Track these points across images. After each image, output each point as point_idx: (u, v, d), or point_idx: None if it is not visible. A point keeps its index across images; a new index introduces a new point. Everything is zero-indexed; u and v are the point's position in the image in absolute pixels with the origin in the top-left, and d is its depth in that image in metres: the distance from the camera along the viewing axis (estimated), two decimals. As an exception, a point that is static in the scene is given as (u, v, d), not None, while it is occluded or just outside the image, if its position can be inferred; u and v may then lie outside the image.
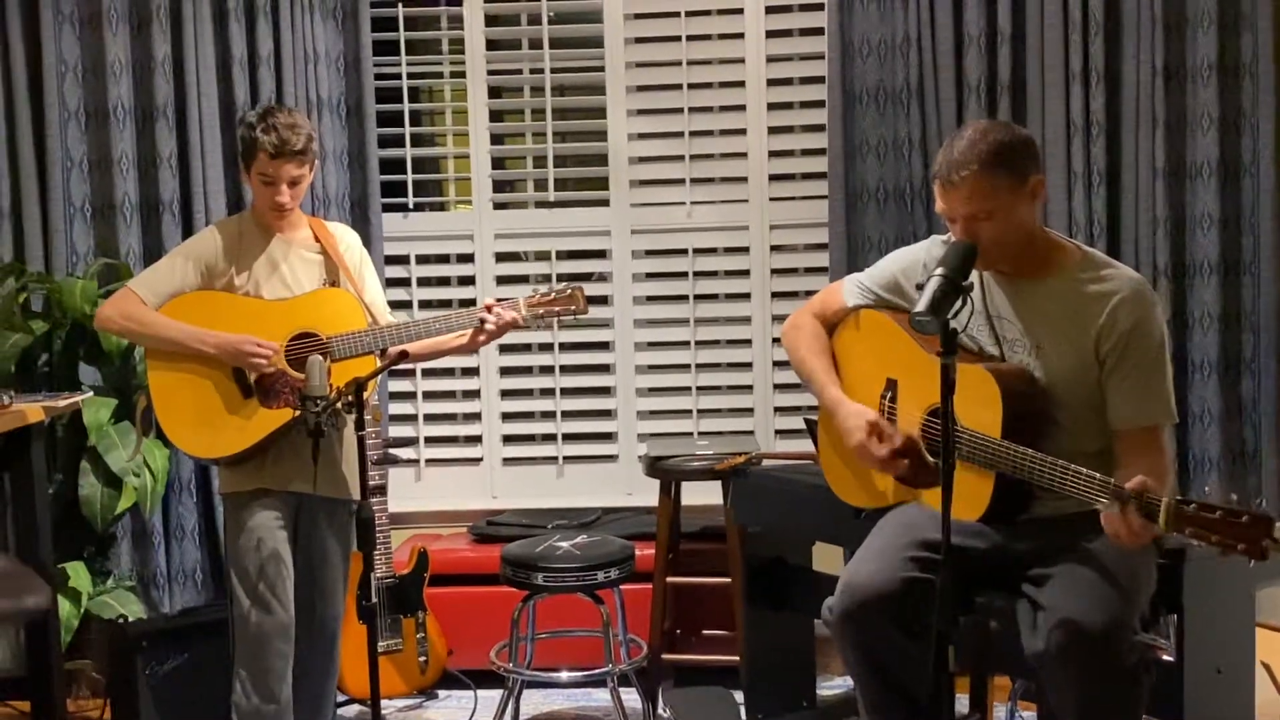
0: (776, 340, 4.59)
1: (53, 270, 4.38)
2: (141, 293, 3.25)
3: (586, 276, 4.80)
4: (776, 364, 4.62)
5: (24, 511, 3.58)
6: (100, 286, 4.17)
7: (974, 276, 2.69)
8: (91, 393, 3.93)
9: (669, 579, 4.04)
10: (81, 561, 4.06)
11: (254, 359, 3.19)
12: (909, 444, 2.86)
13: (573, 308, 3.44)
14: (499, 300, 3.38)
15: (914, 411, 2.90)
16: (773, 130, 4.59)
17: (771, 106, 4.58)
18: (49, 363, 4.22)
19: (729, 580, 3.95)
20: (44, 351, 4.21)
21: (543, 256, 4.74)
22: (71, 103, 4.41)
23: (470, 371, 4.72)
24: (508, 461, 4.76)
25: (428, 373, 4.67)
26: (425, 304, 4.74)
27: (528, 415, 4.78)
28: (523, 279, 4.81)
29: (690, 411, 4.67)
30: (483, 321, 3.33)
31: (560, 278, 4.69)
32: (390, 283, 4.57)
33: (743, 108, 4.58)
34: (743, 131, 4.59)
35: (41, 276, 4.29)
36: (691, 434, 4.63)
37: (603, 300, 4.69)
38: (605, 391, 4.73)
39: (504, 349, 4.62)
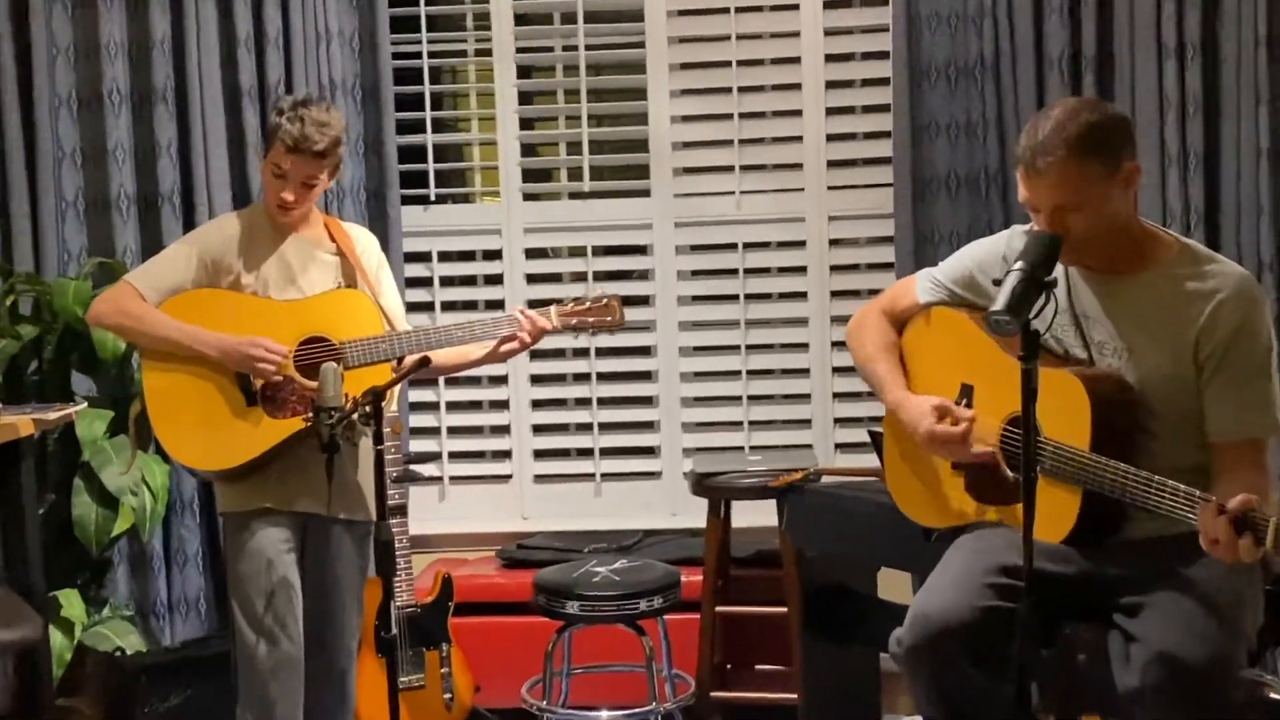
0: (836, 344, 4.57)
1: (43, 270, 4.42)
2: (140, 287, 3.26)
3: (626, 274, 4.80)
4: (837, 370, 4.60)
5: (12, 534, 3.59)
6: (94, 288, 4.18)
7: (1059, 271, 2.67)
8: (85, 404, 3.95)
9: (718, 608, 4.03)
10: (75, 589, 4.09)
11: (261, 364, 3.20)
12: (986, 455, 2.84)
13: (608, 319, 3.44)
14: (531, 305, 3.39)
15: (992, 421, 2.88)
16: (831, 111, 4.57)
17: (830, 85, 4.56)
18: (39, 371, 4.25)
19: (784, 610, 3.94)
20: (33, 359, 4.25)
21: (577, 253, 4.74)
22: (62, 88, 4.45)
23: (498, 380, 4.72)
24: (540, 479, 4.76)
25: (451, 382, 4.68)
26: (448, 305, 4.75)
27: (561, 428, 4.78)
28: (555, 277, 4.82)
29: (741, 423, 4.66)
30: (511, 328, 3.33)
31: (597, 276, 4.69)
32: (410, 282, 4.58)
33: (798, 87, 4.57)
34: (798, 113, 4.58)
35: (30, 277, 4.32)
36: (742, 448, 4.62)
37: (643, 301, 4.69)
38: (647, 401, 4.72)
39: (535, 355, 4.62)
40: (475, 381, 4.73)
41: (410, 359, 3.19)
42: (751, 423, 4.66)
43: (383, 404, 3.02)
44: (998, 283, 2.50)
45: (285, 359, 3.22)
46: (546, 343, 3.46)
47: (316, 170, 3.23)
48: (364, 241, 3.45)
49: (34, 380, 4.24)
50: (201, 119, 4.39)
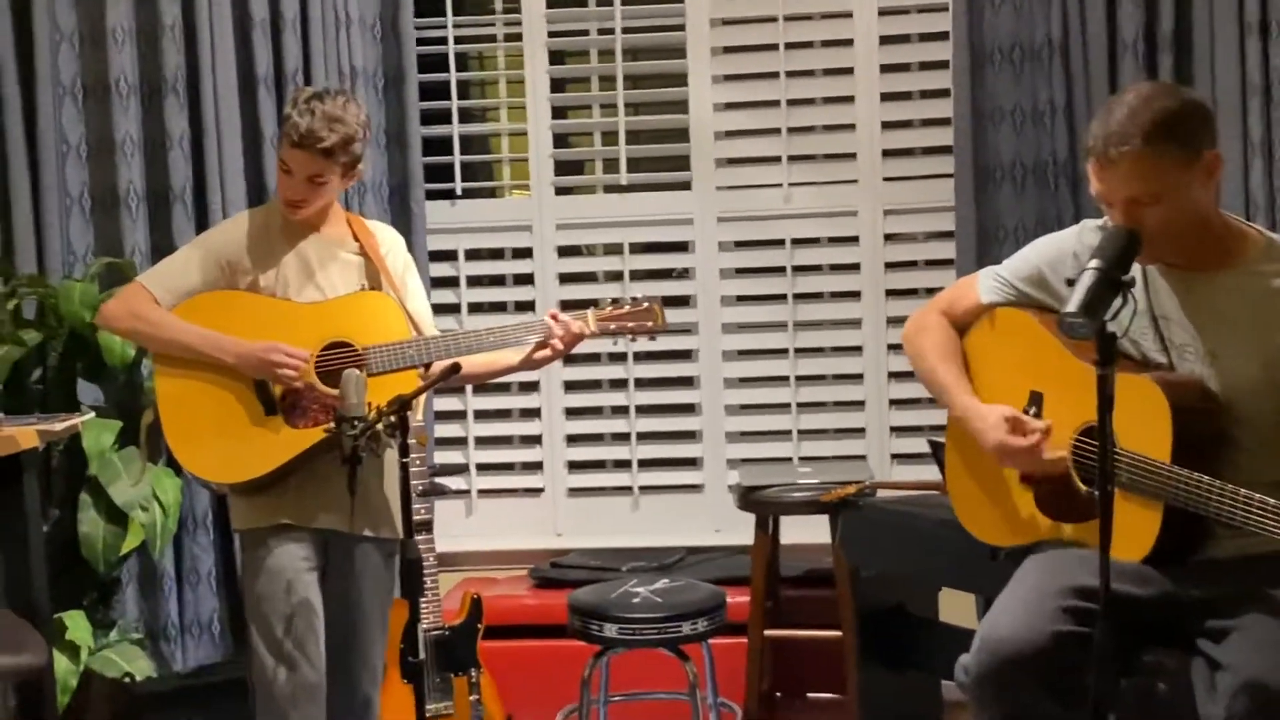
0: (892, 346, 4.55)
1: (46, 272, 4.45)
2: (153, 288, 3.28)
3: (665, 273, 4.79)
4: (893, 375, 4.58)
5: (14, 552, 3.61)
6: (101, 290, 4.21)
7: (1136, 269, 2.65)
8: (92, 414, 3.97)
9: (767, 631, 4.02)
10: (81, 610, 4.11)
11: (280, 370, 3.21)
12: (1058, 467, 2.82)
13: (649, 323, 3.43)
14: (564, 306, 3.39)
15: (1064, 431, 2.86)
16: (887, 97, 4.55)
17: (885, 69, 4.54)
18: (43, 379, 4.28)
19: (838, 633, 3.92)
20: (37, 366, 4.27)
21: (613, 250, 4.74)
22: (66, 76, 4.48)
23: (529, 387, 4.73)
24: (574, 492, 4.76)
25: (480, 390, 4.68)
26: (475, 307, 4.76)
27: (597, 438, 4.78)
28: (589, 277, 4.82)
29: (790, 433, 4.65)
30: (545, 333, 3.33)
31: (634, 275, 4.69)
32: (435, 282, 4.59)
33: (850, 71, 4.55)
34: (850, 99, 4.56)
35: (34, 279, 4.35)
36: (791, 459, 4.60)
37: (684, 302, 4.68)
38: (688, 409, 4.72)
39: (569, 360, 4.58)
40: (504, 389, 4.74)
41: (439, 366, 3.18)
42: (801, 432, 4.64)
43: (409, 413, 3.02)
44: (1070, 282, 2.49)
45: (306, 364, 3.22)
46: (581, 347, 3.45)
47: (322, 169, 3.23)
48: (389, 241, 3.45)
49: (38, 389, 4.27)
50: (215, 109, 4.41)
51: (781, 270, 4.63)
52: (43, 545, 3.69)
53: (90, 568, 4.07)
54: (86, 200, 4.51)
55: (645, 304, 3.44)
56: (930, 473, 3.57)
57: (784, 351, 4.65)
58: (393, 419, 2.99)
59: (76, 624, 4.02)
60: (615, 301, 3.45)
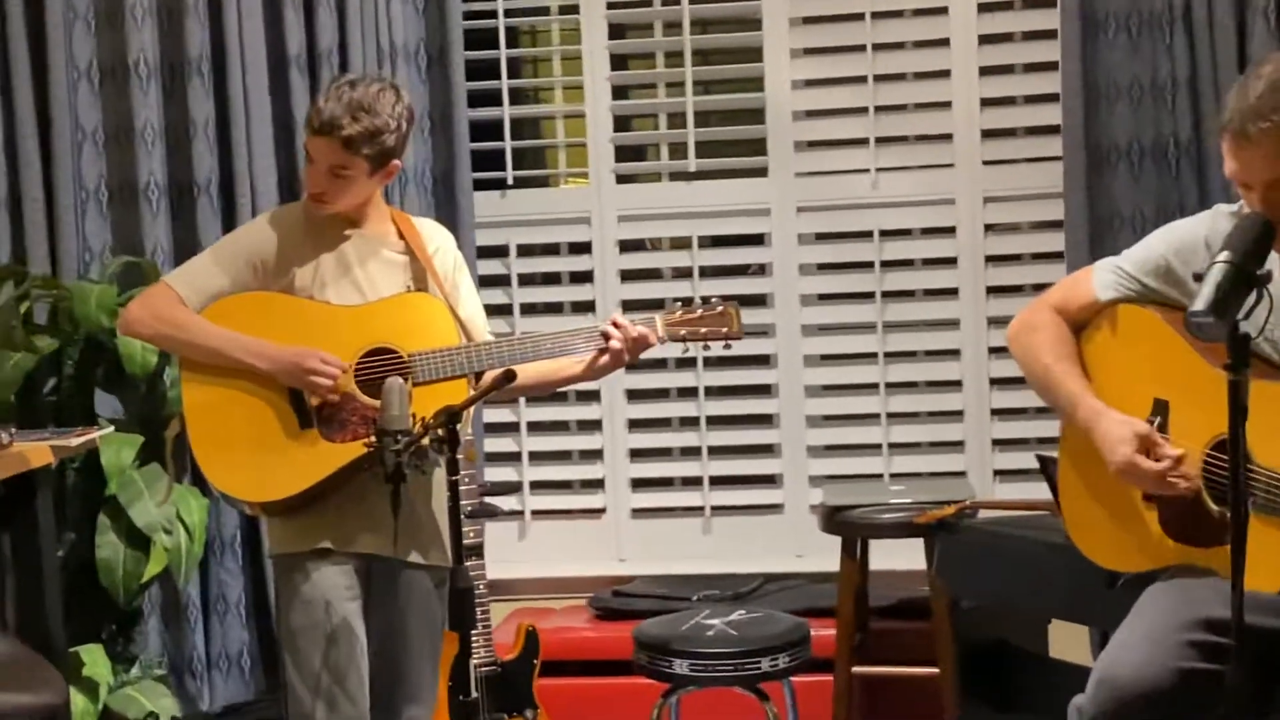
0: (994, 350, 4.52)
1: (61, 272, 4.50)
2: (180, 289, 3.30)
3: (739, 270, 4.78)
4: (995, 382, 4.55)
5: (27, 580, 3.65)
6: (120, 291, 4.25)
7: (1273, 262, 2.61)
8: (111, 427, 4.01)
9: (855, 668, 4.00)
10: (99, 644, 4.14)
11: (316, 379, 3.22)
12: (1186, 486, 2.79)
13: (723, 330, 3.41)
14: (626, 307, 3.37)
15: (1192, 444, 2.83)
16: (986, 71, 4.53)
17: (984, 40, 4.52)
18: (57, 390, 4.32)
19: (935, 671, 3.89)
20: (51, 376, 4.32)
21: (681, 245, 4.74)
22: (81, 58, 4.52)
23: (589, 397, 4.73)
24: (639, 513, 4.76)
25: (534, 399, 4.68)
26: (528, 308, 4.76)
27: (664, 452, 4.78)
28: (654, 274, 4.81)
29: (879, 446, 4.63)
30: (606, 340, 3.32)
31: (704, 273, 4.68)
32: (484, 281, 4.59)
33: (945, 42, 4.53)
34: (946, 74, 4.54)
35: (47, 280, 4.40)
36: (881, 476, 4.58)
37: (760, 301, 4.67)
38: (765, 420, 4.70)
39: (632, 366, 4.59)
40: (561, 399, 4.74)
41: (491, 375, 3.19)
42: (892, 445, 4.62)
43: (457, 427, 3.02)
44: (1199, 277, 2.45)
45: (345, 373, 3.23)
46: (646, 351, 3.43)
47: (344, 160, 3.23)
48: (438, 239, 3.46)
49: (51, 400, 4.31)
50: (243, 93, 4.45)
51: (869, 265, 4.61)
52: (58, 572, 3.73)
53: (109, 597, 4.10)
54: (103, 193, 4.55)
55: (719, 307, 3.41)
56: (1038, 491, 3.54)
57: (872, 356, 4.62)
58: (440, 432, 2.99)
59: (94, 659, 4.05)
60: (685, 304, 3.43)
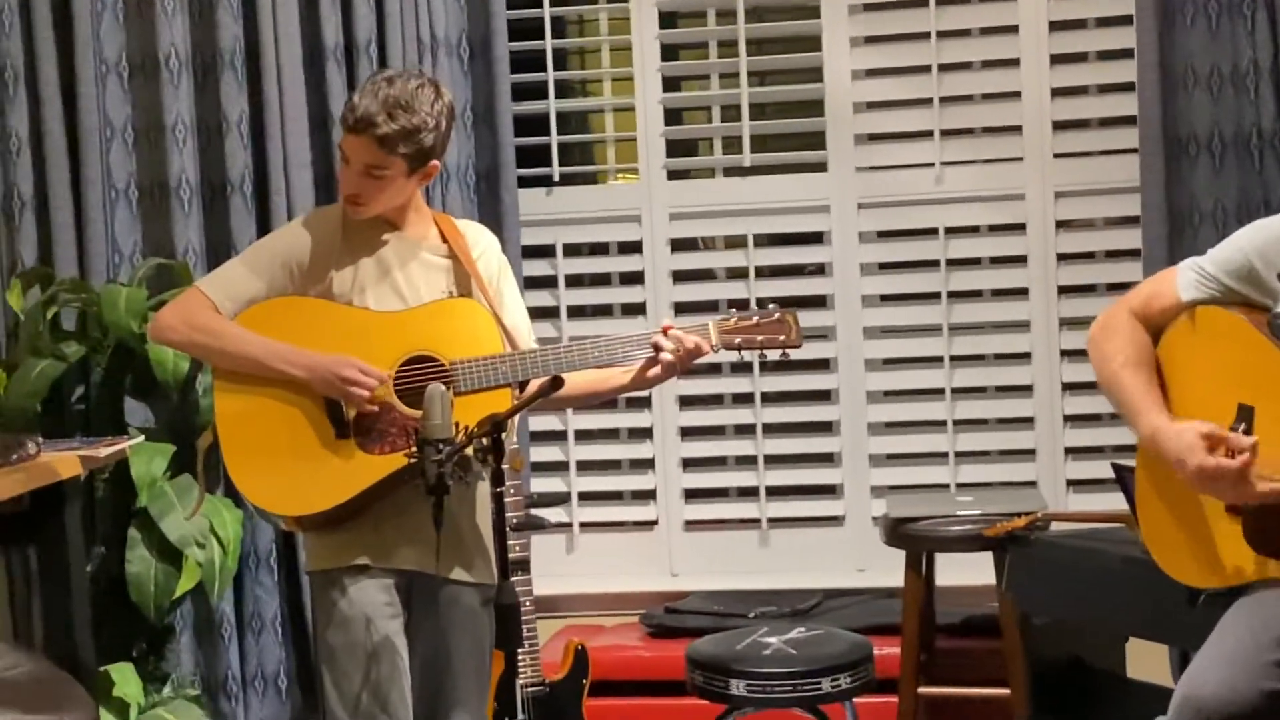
0: (1067, 353, 4.50)
1: (89, 275, 4.53)
2: (213, 295, 3.32)
3: (797, 270, 4.78)
4: (1068, 387, 4.53)
5: (55, 596, 3.66)
6: (151, 295, 4.27)
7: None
8: (142, 437, 4.03)
9: (921, 689, 3.98)
10: (129, 663, 4.16)
11: (354, 388, 3.23)
12: (1272, 495, 2.77)
13: (781, 338, 3.39)
14: (677, 310, 3.36)
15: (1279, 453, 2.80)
16: (1058, 60, 4.51)
17: (1055, 26, 4.50)
18: (85, 398, 4.35)
19: (1005, 691, 3.87)
20: (79, 384, 4.34)
21: (735, 244, 4.74)
22: (110, 51, 4.55)
23: (639, 404, 4.73)
24: (692, 526, 4.76)
25: (581, 407, 4.69)
26: (575, 311, 4.77)
27: (718, 462, 4.78)
28: (707, 274, 4.81)
29: (946, 455, 4.61)
30: (657, 349, 3.31)
31: (760, 273, 4.68)
32: (529, 282, 4.61)
33: (1014, 29, 4.51)
34: (1015, 62, 4.52)
35: (75, 284, 4.42)
36: (948, 486, 4.57)
37: (819, 303, 4.67)
38: (825, 428, 4.70)
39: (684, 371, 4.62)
40: (610, 405, 4.74)
41: (537, 382, 3.19)
42: (959, 454, 4.61)
43: (502, 436, 3.03)
44: (1283, 277, 2.44)
45: (384, 382, 3.24)
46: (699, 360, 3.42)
47: (380, 160, 3.24)
48: (482, 242, 3.47)
49: (79, 409, 4.34)
50: (277, 88, 4.47)
51: (934, 264, 4.60)
52: (86, 588, 3.75)
53: (140, 613, 4.13)
54: (133, 192, 4.58)
55: (777, 314, 3.40)
56: (1115, 502, 3.51)
57: (938, 360, 4.61)
58: (484, 442, 3.00)
59: (125, 678, 4.08)
60: (740, 309, 3.42)
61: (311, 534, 3.38)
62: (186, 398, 4.28)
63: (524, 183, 4.64)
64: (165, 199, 4.54)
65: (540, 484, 4.72)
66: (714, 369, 4.71)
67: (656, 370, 3.34)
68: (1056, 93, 4.51)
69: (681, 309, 4.66)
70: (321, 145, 4.50)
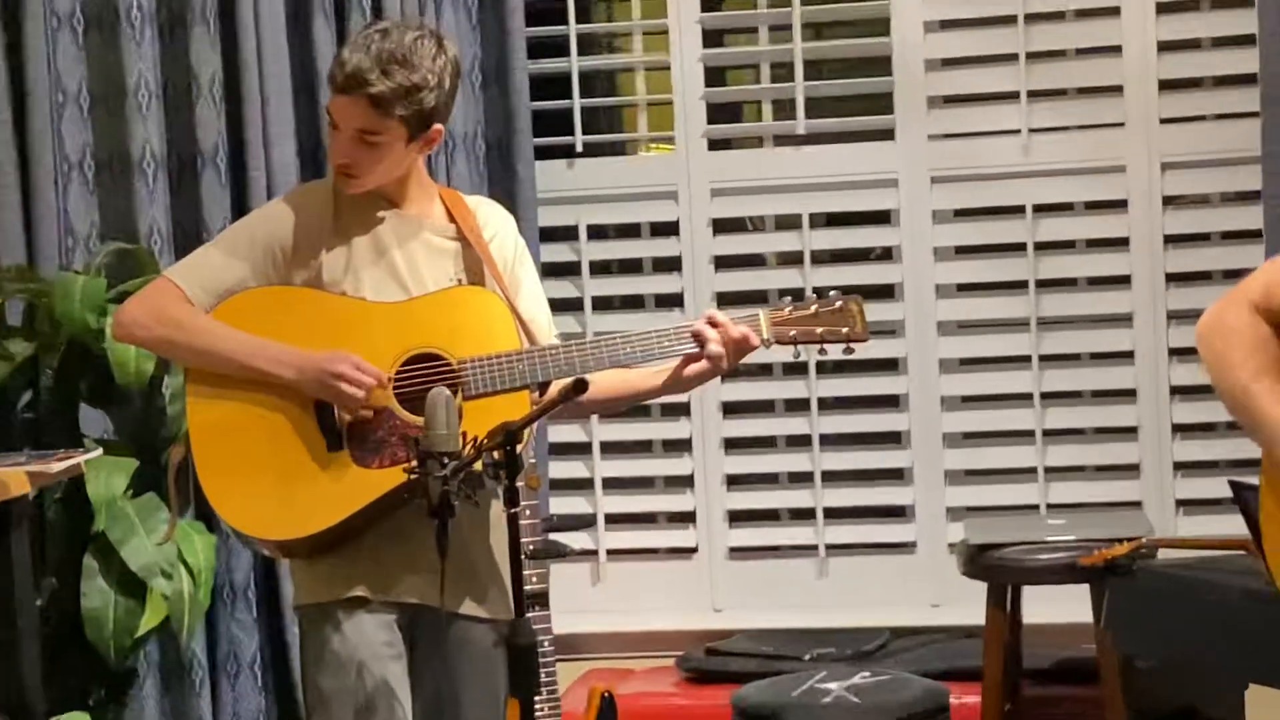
0: (1177, 351, 4.51)
1: (38, 262, 4.55)
2: (185, 285, 3.32)
3: (860, 255, 4.79)
4: (1177, 391, 4.53)
5: (1, 634, 3.69)
6: (111, 287, 4.28)
7: None
8: (100, 450, 4.04)
9: (1005, 744, 4.00)
10: (85, 712, 4.16)
11: (349, 387, 3.23)
12: None
13: (844, 330, 3.37)
14: (720, 303, 3.35)
15: None
16: (1165, 8, 4.50)
17: (1161, -30, 4.50)
18: (34, 404, 4.37)
19: (1105, 746, 3.89)
20: (27, 388, 4.36)
21: (788, 224, 4.75)
22: (62, 4, 4.56)
23: (676, 410, 4.74)
24: (737, 553, 4.77)
25: (609, 414, 4.69)
26: (601, 303, 4.79)
27: (768, 479, 4.79)
28: (756, 260, 4.82)
29: (1034, 471, 4.61)
30: (700, 341, 3.31)
31: (816, 258, 4.69)
32: (548, 270, 4.60)
33: (1114, -27, 4.52)
34: (1115, 11, 4.52)
35: (22, 272, 4.44)
36: (1037, 507, 4.57)
37: (886, 293, 4.67)
38: (893, 439, 4.71)
39: (728, 373, 4.62)
40: (643, 413, 4.76)
41: (558, 385, 3.20)
42: (1050, 470, 4.61)
43: (518, 448, 3.04)
44: None
45: (382, 384, 3.25)
46: (747, 356, 3.42)
47: (375, 123, 3.24)
48: (495, 221, 3.46)
49: (28, 418, 4.36)
50: (256, 44, 4.49)
51: (1020, 249, 4.60)
52: (36, 625, 3.76)
53: (97, 655, 4.14)
54: (89, 166, 4.60)
55: (838, 302, 3.38)
56: (1233, 525, 3.51)
57: (1024, 359, 4.61)
58: (496, 455, 3.00)
59: (81, 729, 4.11)
60: (795, 299, 3.41)
61: (299, 562, 3.38)
62: (152, 404, 4.30)
63: (542, 153, 4.65)
64: (127, 173, 4.56)
65: (561, 504, 4.73)
66: (763, 370, 4.71)
67: (699, 367, 3.33)
68: (1164, 47, 4.51)
69: (725, 300, 4.66)
70: (307, 111, 4.52)
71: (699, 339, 3.31)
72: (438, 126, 3.31)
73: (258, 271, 3.33)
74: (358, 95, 3.24)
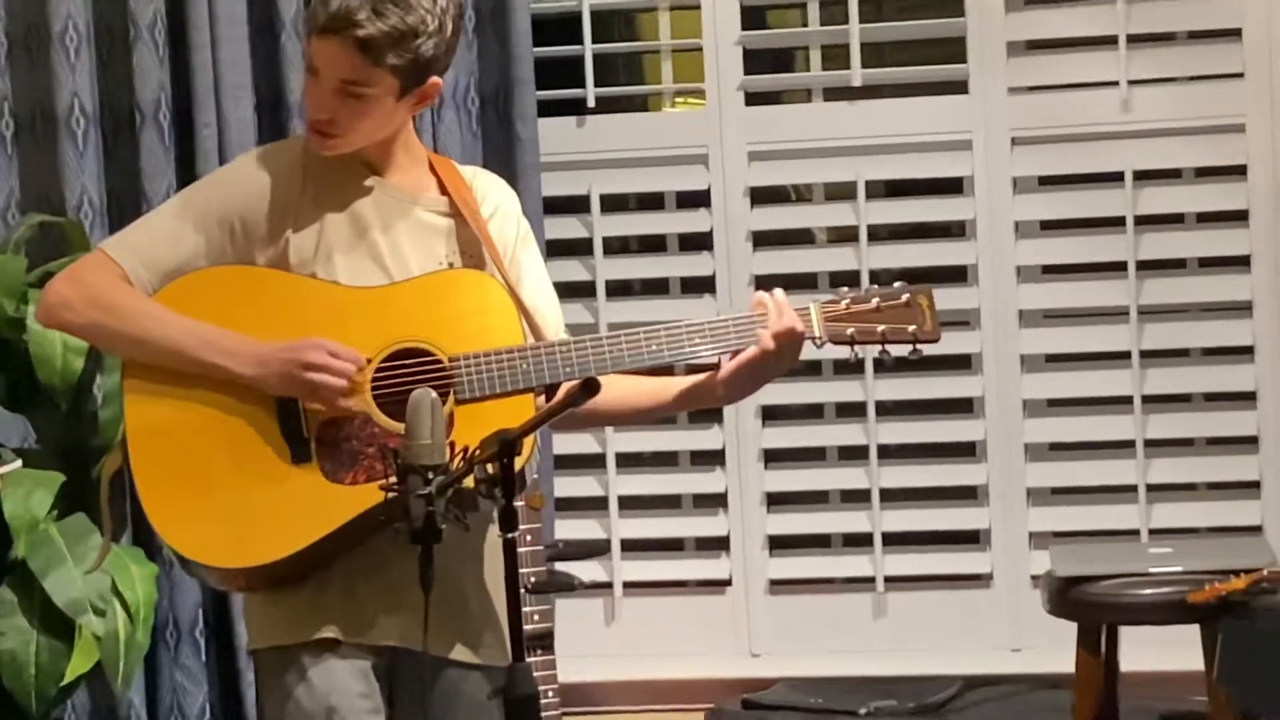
0: (1303, 348, 4.51)
1: (-54, 238, 4.58)
2: (125, 262, 3.31)
3: (927, 231, 4.80)
4: (1305, 394, 4.54)
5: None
6: (32, 267, 4.29)
7: None
8: (19, 462, 4.04)
9: (1101, 813, 4.00)
10: (2, 772, 4.22)
11: (325, 380, 3.24)
12: None
13: (910, 328, 3.35)
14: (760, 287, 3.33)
15: None
16: (1291, -65, 4.52)
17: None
18: (-59, 407, 4.40)
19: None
20: (-68, 388, 4.39)
21: (839, 194, 4.76)
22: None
23: (706, 415, 4.74)
24: (779, 587, 4.78)
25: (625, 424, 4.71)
26: (618, 288, 4.80)
27: (816, 498, 4.80)
28: (802, 237, 4.82)
29: (1134, 489, 4.62)
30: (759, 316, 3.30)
31: (874, 235, 4.69)
32: (553, 248, 4.63)
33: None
34: (1232, -61, 4.54)
35: (-73, 250, 4.48)
36: (1137, 532, 4.58)
37: (958, 276, 4.68)
38: (965, 451, 4.72)
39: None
40: (666, 419, 4.74)
41: (566, 388, 3.20)
42: (1153, 488, 4.61)
43: (516, 461, 3.04)
44: None
45: (362, 367, 3.24)
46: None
47: (362, 73, 3.23)
48: (495, 195, 3.46)
49: (-67, 422, 4.39)
50: (205, -22, 4.52)
51: (1118, 223, 4.61)
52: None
53: (15, 705, 4.14)
54: (7, 124, 4.62)
55: (904, 295, 3.36)
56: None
57: (1123, 356, 4.62)
58: (490, 470, 3.01)
59: (-4, 794, 4.12)
60: (851, 292, 3.40)
61: (256, 597, 3.38)
62: (82, 407, 4.31)
63: (546, 109, 4.67)
64: (51, 132, 4.58)
65: (569, 528, 4.75)
66: (810, 368, 4.72)
67: (753, 354, 3.30)
68: (1291, -17, 4.52)
69: (765, 285, 4.56)
70: (267, 58, 4.54)
71: (750, 328, 3.29)
72: (434, 80, 3.30)
73: (211, 248, 3.33)
74: (344, 38, 3.23)
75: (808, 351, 3.32)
